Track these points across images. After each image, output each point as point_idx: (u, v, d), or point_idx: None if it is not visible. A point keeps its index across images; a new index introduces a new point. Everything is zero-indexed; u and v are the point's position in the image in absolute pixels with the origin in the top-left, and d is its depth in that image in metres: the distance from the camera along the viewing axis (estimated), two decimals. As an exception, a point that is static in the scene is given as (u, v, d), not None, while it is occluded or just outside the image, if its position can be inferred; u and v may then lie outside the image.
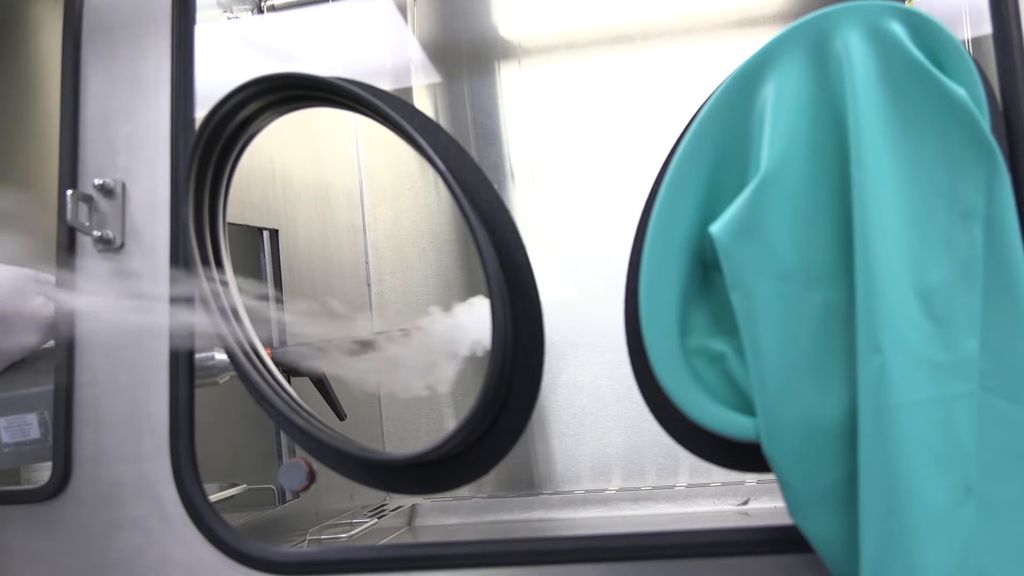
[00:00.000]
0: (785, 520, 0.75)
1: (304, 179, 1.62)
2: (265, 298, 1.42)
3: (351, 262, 1.77)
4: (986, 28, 0.81)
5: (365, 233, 1.80)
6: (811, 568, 0.80)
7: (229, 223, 0.94)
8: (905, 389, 0.64)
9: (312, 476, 1.03)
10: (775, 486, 0.73)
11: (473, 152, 1.75)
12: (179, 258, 0.95)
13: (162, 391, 0.95)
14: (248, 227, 1.44)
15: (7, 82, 1.44)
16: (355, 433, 1.02)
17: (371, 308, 1.79)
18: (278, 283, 1.48)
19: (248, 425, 1.44)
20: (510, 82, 1.76)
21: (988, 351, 0.68)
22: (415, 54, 1.77)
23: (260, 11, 1.60)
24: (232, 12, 1.55)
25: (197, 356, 0.98)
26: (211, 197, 0.91)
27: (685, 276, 0.75)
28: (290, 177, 1.57)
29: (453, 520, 1.63)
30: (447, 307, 1.02)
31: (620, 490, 1.62)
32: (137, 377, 0.96)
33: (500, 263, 0.81)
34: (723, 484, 1.54)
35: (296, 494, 1.41)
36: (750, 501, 1.52)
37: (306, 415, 0.91)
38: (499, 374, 0.80)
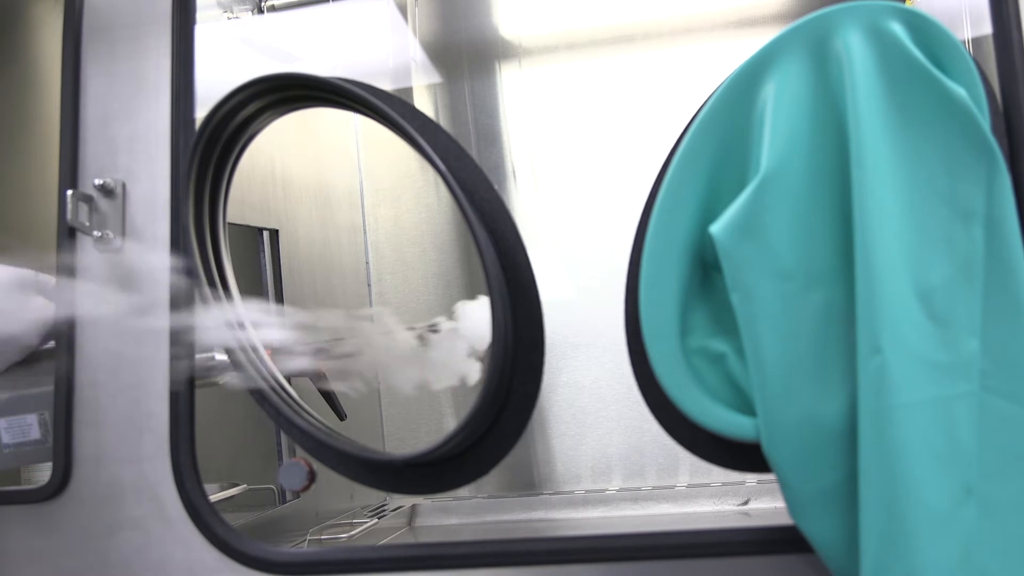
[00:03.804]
0: (785, 520, 0.75)
1: (304, 179, 1.62)
2: (265, 298, 1.42)
3: (351, 262, 1.77)
4: (986, 28, 0.81)
5: (365, 233, 1.80)
6: (811, 568, 0.80)
7: (229, 223, 0.94)
8: (905, 389, 0.64)
9: (312, 476, 1.03)
10: (775, 486, 0.73)
11: (473, 152, 1.75)
12: (179, 258, 0.95)
13: (162, 391, 0.95)
14: (248, 227, 1.44)
15: (7, 82, 1.44)
16: (355, 433, 1.02)
17: (371, 308, 1.79)
18: (278, 283, 1.48)
19: (248, 425, 1.44)
20: (510, 82, 1.76)
21: (988, 351, 0.68)
22: (415, 54, 1.77)
23: (260, 11, 1.60)
24: (232, 12, 1.55)
25: (197, 356, 0.98)
26: (211, 197, 0.91)
27: (685, 276, 0.75)
28: (290, 177, 1.57)
29: (453, 520, 1.63)
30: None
31: (620, 490, 1.61)
32: (137, 377, 0.96)
33: (500, 263, 0.81)
34: (723, 484, 1.54)
35: (296, 494, 1.41)
36: (750, 501, 1.52)
37: (306, 415, 0.91)
38: (499, 374, 0.80)
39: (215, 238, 0.92)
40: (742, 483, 1.53)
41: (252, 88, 0.85)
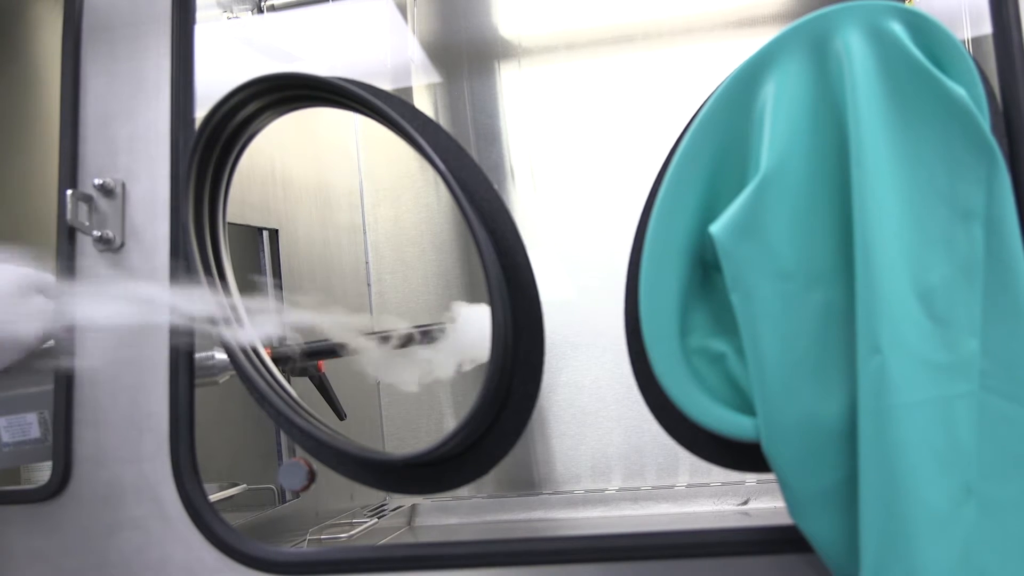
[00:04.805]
0: (785, 520, 0.75)
1: (304, 179, 1.63)
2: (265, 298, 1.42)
3: (351, 262, 1.77)
4: (986, 28, 0.81)
5: (365, 233, 1.80)
6: (811, 568, 0.80)
7: (229, 223, 0.94)
8: (905, 389, 0.64)
9: (312, 476, 1.04)
10: (775, 486, 0.73)
11: (473, 152, 1.75)
12: (179, 258, 0.95)
13: (162, 391, 0.95)
14: (248, 227, 1.44)
15: (7, 82, 1.44)
16: (355, 433, 1.02)
17: (371, 308, 1.79)
18: (278, 283, 1.48)
19: (248, 425, 1.44)
20: (510, 82, 1.76)
21: (988, 351, 0.68)
22: (415, 54, 1.77)
23: (260, 11, 1.60)
24: (232, 12, 1.55)
25: (197, 356, 0.98)
26: (211, 197, 0.91)
27: (685, 276, 0.75)
28: (290, 177, 1.57)
29: (453, 520, 1.63)
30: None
31: (620, 490, 1.62)
32: (137, 377, 0.96)
33: (500, 263, 0.81)
34: (723, 484, 1.54)
35: (296, 494, 1.41)
36: (750, 501, 1.52)
37: (306, 415, 0.91)
38: (499, 374, 0.80)
39: (215, 238, 0.92)
40: (742, 483, 1.53)
41: (252, 88, 0.85)
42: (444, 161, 0.80)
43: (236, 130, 0.89)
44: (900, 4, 0.69)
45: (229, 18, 1.55)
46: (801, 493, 0.71)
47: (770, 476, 0.73)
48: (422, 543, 1.46)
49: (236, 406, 1.34)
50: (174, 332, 0.94)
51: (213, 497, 1.03)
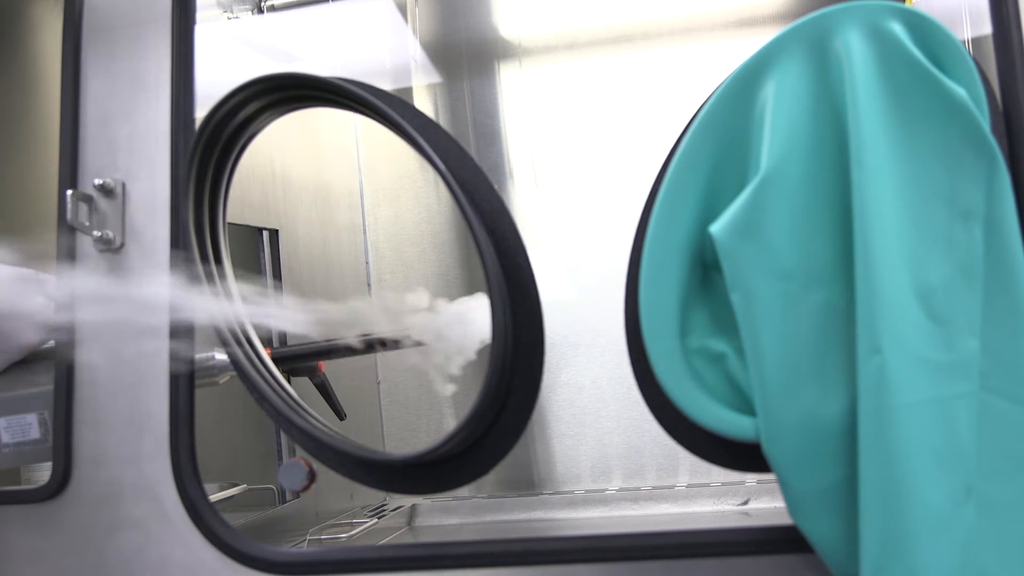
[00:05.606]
0: (785, 520, 0.75)
1: (304, 179, 1.63)
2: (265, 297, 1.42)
3: (351, 262, 1.77)
4: (986, 28, 0.81)
5: (365, 233, 1.80)
6: (811, 568, 0.80)
7: (229, 223, 0.94)
8: (905, 389, 0.64)
9: (312, 476, 1.03)
10: (775, 486, 0.73)
11: (473, 152, 1.75)
12: (179, 258, 0.95)
13: (162, 391, 0.95)
14: (248, 227, 1.44)
15: (7, 82, 1.44)
16: (355, 433, 1.02)
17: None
18: (278, 283, 1.48)
19: (248, 425, 1.44)
20: (510, 82, 1.76)
21: (988, 351, 0.68)
22: (415, 54, 1.77)
23: (260, 11, 1.60)
24: (232, 12, 1.55)
25: (197, 356, 0.98)
26: (211, 197, 0.91)
27: (685, 276, 0.75)
28: (290, 177, 1.57)
29: (453, 520, 1.63)
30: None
31: (620, 490, 1.62)
32: (137, 377, 0.96)
33: (500, 263, 0.81)
34: (723, 484, 1.54)
35: (296, 494, 1.41)
36: (750, 501, 1.52)
37: (306, 415, 0.91)
38: (499, 374, 0.80)
39: (215, 238, 0.92)
40: (742, 483, 1.53)
41: (252, 88, 0.85)
42: (444, 161, 0.80)
43: (236, 130, 0.89)
44: (900, 4, 0.69)
45: (229, 18, 1.55)
46: (801, 493, 0.71)
47: (770, 476, 0.73)
48: (422, 543, 1.46)
49: (236, 406, 1.34)
50: (174, 332, 0.94)
51: (213, 497, 1.03)
